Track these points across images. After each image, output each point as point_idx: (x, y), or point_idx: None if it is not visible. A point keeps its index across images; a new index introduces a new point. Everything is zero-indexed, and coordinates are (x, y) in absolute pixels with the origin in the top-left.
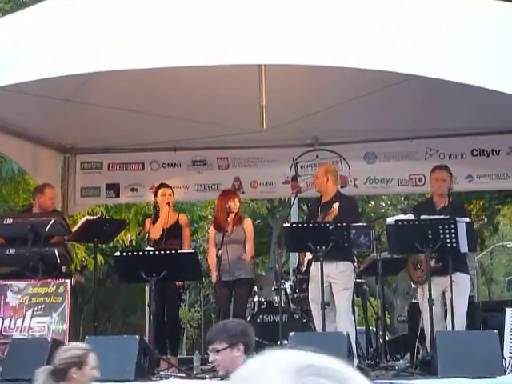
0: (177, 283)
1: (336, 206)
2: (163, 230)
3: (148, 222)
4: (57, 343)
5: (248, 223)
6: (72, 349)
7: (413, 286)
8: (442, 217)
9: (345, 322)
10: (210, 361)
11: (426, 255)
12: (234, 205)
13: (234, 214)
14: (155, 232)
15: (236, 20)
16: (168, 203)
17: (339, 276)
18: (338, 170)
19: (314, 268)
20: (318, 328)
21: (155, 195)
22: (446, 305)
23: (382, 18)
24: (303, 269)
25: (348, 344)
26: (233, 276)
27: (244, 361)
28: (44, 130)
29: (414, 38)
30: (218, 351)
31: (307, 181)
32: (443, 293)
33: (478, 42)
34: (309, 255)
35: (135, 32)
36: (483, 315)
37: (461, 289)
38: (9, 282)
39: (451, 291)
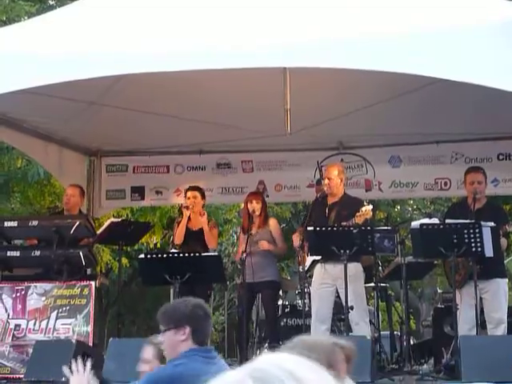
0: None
1: (369, 207)
2: (188, 232)
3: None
4: (81, 345)
5: (272, 223)
6: None
7: (438, 291)
8: (467, 221)
9: (360, 328)
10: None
11: (463, 260)
12: (255, 204)
13: (258, 215)
14: (177, 237)
15: (260, 22)
16: (187, 207)
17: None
18: (363, 174)
19: (322, 271)
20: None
21: (185, 197)
22: (483, 311)
23: (407, 20)
24: (305, 268)
25: (372, 348)
26: (256, 278)
27: (191, 349)
28: (70, 133)
29: (441, 41)
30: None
31: None
32: (481, 298)
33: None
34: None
35: (160, 35)
36: (509, 320)
37: (500, 294)
38: (34, 284)
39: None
